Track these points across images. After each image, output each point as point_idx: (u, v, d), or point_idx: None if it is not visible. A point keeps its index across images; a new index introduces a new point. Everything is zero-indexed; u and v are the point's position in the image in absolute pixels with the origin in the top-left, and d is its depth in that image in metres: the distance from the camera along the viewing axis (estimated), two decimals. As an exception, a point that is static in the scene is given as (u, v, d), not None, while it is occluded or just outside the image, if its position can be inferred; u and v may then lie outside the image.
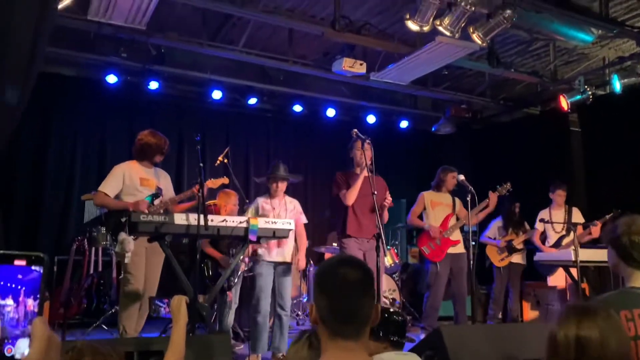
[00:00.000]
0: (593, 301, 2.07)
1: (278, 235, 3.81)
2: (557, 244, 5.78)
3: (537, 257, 5.59)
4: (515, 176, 5.67)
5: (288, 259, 4.41)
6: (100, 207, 4.23)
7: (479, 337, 2.93)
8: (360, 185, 4.37)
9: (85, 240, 5.51)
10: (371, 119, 7.90)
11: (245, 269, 4.97)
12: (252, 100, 7.14)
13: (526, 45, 6.33)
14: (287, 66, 6.41)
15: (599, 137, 6.85)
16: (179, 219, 3.41)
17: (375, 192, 3.96)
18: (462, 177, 4.89)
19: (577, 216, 5.84)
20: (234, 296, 4.86)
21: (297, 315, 6.28)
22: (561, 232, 5.82)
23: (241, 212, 4.82)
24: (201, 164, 3.55)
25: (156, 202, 4.08)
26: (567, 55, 6.58)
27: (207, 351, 2.50)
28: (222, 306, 4.80)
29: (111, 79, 6.23)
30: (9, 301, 0.83)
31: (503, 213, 6.19)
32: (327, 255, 6.45)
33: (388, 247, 6.41)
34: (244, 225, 3.60)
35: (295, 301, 6.15)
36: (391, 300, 6.13)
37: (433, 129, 8.16)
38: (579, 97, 6.27)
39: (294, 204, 4.59)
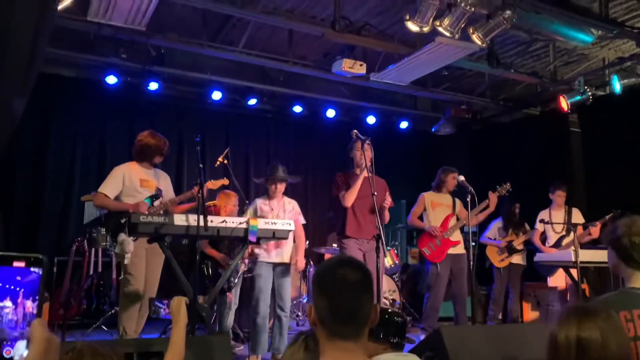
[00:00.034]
0: (592, 302, 2.07)
1: (278, 236, 3.81)
2: (557, 244, 5.78)
3: (537, 257, 5.58)
4: (515, 177, 5.66)
5: (287, 260, 4.41)
6: (100, 208, 4.23)
7: (479, 337, 2.92)
8: (360, 186, 4.37)
9: (85, 241, 5.51)
10: (371, 119, 7.90)
11: (245, 269, 4.97)
12: (252, 101, 7.14)
13: (526, 46, 6.33)
14: (287, 67, 6.41)
15: (598, 137, 6.85)
16: (179, 220, 3.41)
17: (375, 193, 3.96)
18: (462, 177, 4.89)
19: (577, 216, 5.84)
20: (234, 297, 4.86)
21: (297, 316, 6.27)
22: (561, 232, 5.82)
23: (241, 213, 4.82)
24: (201, 165, 3.55)
25: (156, 203, 4.08)
26: (567, 55, 6.58)
27: (207, 352, 2.49)
28: (221, 307, 4.80)
29: (111, 79, 6.23)
30: (8, 303, 0.83)
31: (503, 214, 6.19)
32: (327, 256, 6.45)
33: (388, 247, 6.41)
34: (244, 226, 3.60)
35: (295, 302, 6.15)
36: (391, 301, 6.13)
37: (433, 130, 8.16)
38: (578, 97, 6.27)
39: (292, 205, 4.59)
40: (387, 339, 2.37)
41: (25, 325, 0.84)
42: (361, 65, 5.74)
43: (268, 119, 7.91)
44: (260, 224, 3.69)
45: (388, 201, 4.35)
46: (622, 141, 6.44)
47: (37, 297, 0.87)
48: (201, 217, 3.32)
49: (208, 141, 7.24)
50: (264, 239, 3.80)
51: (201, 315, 3.34)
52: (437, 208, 5.36)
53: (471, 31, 4.95)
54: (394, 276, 6.47)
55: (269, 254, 4.35)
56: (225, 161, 4.68)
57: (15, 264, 0.84)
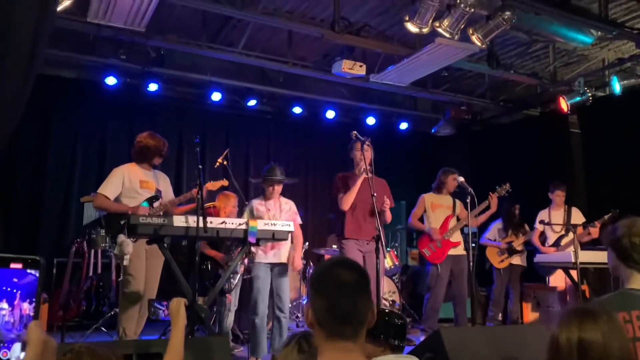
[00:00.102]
0: (591, 303, 2.07)
1: (277, 237, 3.81)
2: (555, 244, 5.78)
3: (537, 258, 5.58)
4: (515, 178, 5.66)
5: (284, 260, 4.41)
6: (99, 209, 4.23)
7: (479, 339, 2.92)
8: (360, 187, 4.36)
9: (85, 242, 5.51)
10: (371, 120, 7.90)
11: (244, 271, 4.96)
12: (252, 102, 7.14)
13: (526, 47, 6.33)
14: (286, 68, 6.41)
15: (598, 138, 6.85)
16: (178, 221, 3.40)
17: (375, 194, 3.95)
18: (461, 178, 4.89)
19: (577, 216, 5.83)
20: (233, 298, 4.86)
21: (297, 317, 6.27)
22: (560, 232, 5.82)
23: (240, 214, 4.81)
24: (200, 166, 3.55)
25: (155, 204, 4.07)
26: (566, 56, 6.58)
27: (207, 353, 2.49)
28: (221, 308, 4.79)
29: (110, 80, 6.23)
30: (4, 305, 0.82)
31: (503, 215, 6.19)
32: (327, 257, 6.44)
33: (388, 249, 6.40)
34: (243, 227, 3.60)
35: (294, 303, 6.14)
36: (391, 302, 6.12)
37: (433, 131, 8.15)
38: (578, 98, 6.27)
39: (289, 205, 4.58)
40: (388, 342, 2.37)
41: (22, 327, 0.84)
42: (361, 66, 5.74)
43: (268, 120, 7.91)
44: (260, 225, 3.68)
45: (387, 203, 4.34)
46: (622, 142, 6.44)
47: (34, 299, 0.86)
48: (200, 218, 3.32)
49: (208, 142, 7.24)
50: (263, 240, 3.79)
51: (200, 316, 3.34)
52: (437, 209, 5.35)
53: (471, 32, 4.95)
54: (393, 277, 6.46)
55: (266, 255, 4.35)
56: (225, 162, 4.68)
57: (12, 265, 0.84)
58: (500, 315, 6.26)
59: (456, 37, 4.83)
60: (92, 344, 1.53)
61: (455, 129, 8.13)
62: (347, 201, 4.37)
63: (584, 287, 5.21)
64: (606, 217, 5.36)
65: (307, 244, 6.41)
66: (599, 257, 4.79)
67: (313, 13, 5.63)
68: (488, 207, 5.35)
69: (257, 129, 7.80)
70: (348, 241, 4.40)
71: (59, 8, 4.14)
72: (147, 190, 4.12)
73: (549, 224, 5.73)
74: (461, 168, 5.47)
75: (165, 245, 3.52)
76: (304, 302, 6.42)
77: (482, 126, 8.48)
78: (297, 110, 7.42)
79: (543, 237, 5.95)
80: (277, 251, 4.36)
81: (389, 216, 4.47)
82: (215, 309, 4.85)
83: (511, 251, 6.16)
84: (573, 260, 4.73)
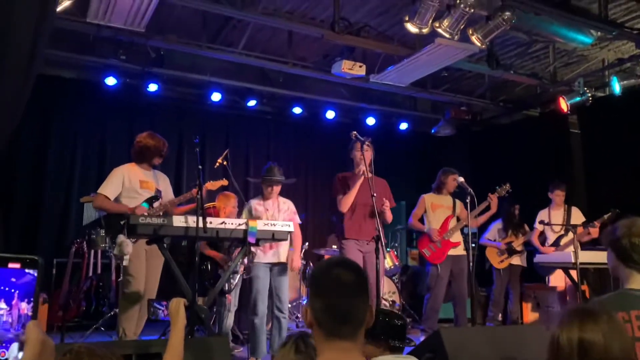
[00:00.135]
0: (590, 303, 2.07)
1: (277, 238, 3.81)
2: (555, 244, 5.77)
3: (537, 258, 5.58)
4: (515, 178, 5.66)
5: (283, 259, 4.40)
6: (99, 209, 4.23)
7: (478, 339, 2.92)
8: (360, 188, 4.36)
9: (84, 242, 5.51)
10: (371, 121, 7.90)
11: (244, 271, 4.96)
12: (252, 103, 7.14)
13: (525, 47, 6.33)
14: (286, 68, 6.41)
15: (598, 138, 6.85)
16: (178, 221, 3.40)
17: (375, 194, 3.95)
18: (461, 179, 4.89)
19: (577, 215, 5.83)
20: (233, 299, 4.86)
21: (297, 317, 6.27)
22: (559, 232, 5.82)
23: (240, 214, 4.81)
24: (200, 166, 3.54)
25: (155, 204, 4.07)
26: (566, 57, 6.58)
27: (206, 354, 2.49)
28: (221, 309, 4.79)
29: (110, 81, 6.23)
30: (2, 304, 0.82)
31: (503, 215, 6.18)
32: (327, 258, 6.43)
33: (388, 249, 6.40)
34: (243, 227, 3.59)
35: (294, 303, 6.14)
36: (391, 303, 6.12)
37: (433, 131, 8.16)
38: (578, 98, 6.27)
39: (287, 205, 4.58)
40: (387, 343, 2.37)
41: (20, 327, 0.84)
42: (361, 66, 5.74)
43: (268, 120, 7.91)
44: (260, 225, 3.68)
45: (386, 205, 4.33)
46: (622, 142, 6.44)
47: (32, 299, 0.86)
48: (200, 218, 3.32)
49: (208, 143, 7.25)
50: (263, 240, 3.79)
51: (200, 317, 3.34)
52: (437, 210, 5.35)
53: (471, 32, 4.95)
54: (393, 278, 6.46)
55: (265, 255, 4.34)
56: (225, 162, 4.68)
57: (11, 265, 0.84)
58: (500, 315, 6.26)
59: (456, 37, 4.83)
60: (92, 344, 1.53)
61: (455, 129, 8.14)
62: (346, 203, 4.37)
63: (584, 287, 5.21)
64: (606, 217, 5.36)
65: (307, 244, 6.41)
66: (599, 257, 4.78)
67: (313, 13, 5.63)
68: (488, 208, 5.35)
69: (257, 130, 7.80)
70: (348, 241, 4.40)
71: (59, 8, 4.14)
72: (147, 190, 4.11)
73: (548, 224, 5.73)
74: (461, 168, 5.47)
75: (165, 245, 3.52)
76: (304, 302, 6.42)
77: (482, 126, 8.48)
78: (297, 110, 7.42)
79: (543, 237, 5.95)
80: (275, 251, 4.36)
81: (389, 216, 4.47)
82: (215, 310, 4.85)
83: (511, 251, 6.16)
84: (573, 261, 4.73)
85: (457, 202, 5.35)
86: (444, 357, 2.60)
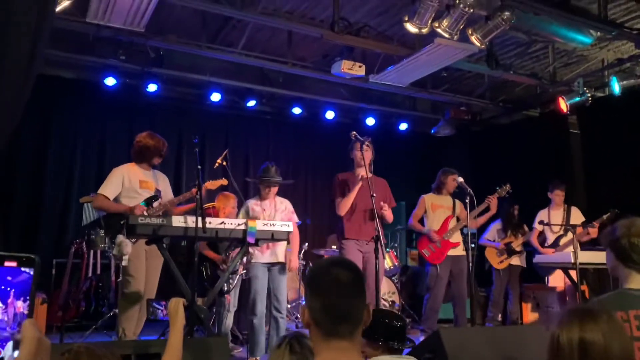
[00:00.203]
0: (589, 302, 2.07)
1: (276, 238, 3.80)
2: (554, 244, 5.77)
3: (537, 259, 5.58)
4: (515, 178, 5.66)
5: (281, 259, 4.40)
6: (98, 209, 4.22)
7: (478, 339, 2.92)
8: (360, 188, 4.35)
9: (84, 243, 5.50)
10: (370, 121, 7.90)
11: (244, 271, 4.96)
12: (251, 103, 7.14)
13: (525, 47, 6.33)
14: (286, 68, 6.41)
15: (598, 139, 6.85)
16: (177, 221, 3.40)
17: (374, 194, 3.95)
18: (460, 179, 4.89)
19: (577, 215, 5.83)
20: (232, 299, 4.85)
21: (296, 318, 6.26)
22: (558, 232, 5.82)
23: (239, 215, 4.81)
24: (199, 166, 3.54)
25: (155, 204, 4.07)
26: (566, 57, 6.58)
27: (206, 354, 2.49)
28: (220, 309, 4.79)
29: (110, 81, 6.22)
30: (-3, 303, 0.82)
31: (502, 215, 6.18)
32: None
33: (387, 249, 6.40)
34: (242, 227, 3.59)
35: (294, 304, 6.14)
36: (390, 303, 6.12)
37: (432, 131, 8.15)
38: (578, 99, 6.27)
39: (285, 204, 4.57)
40: (387, 344, 2.37)
41: (16, 325, 0.83)
42: (360, 66, 5.74)
43: (267, 120, 7.91)
44: (259, 225, 3.68)
45: (385, 207, 4.33)
46: (622, 142, 6.44)
47: (28, 298, 0.86)
48: (199, 218, 3.32)
49: (207, 143, 7.25)
50: (262, 240, 3.79)
51: (200, 317, 3.33)
52: (437, 210, 5.35)
53: (470, 32, 4.95)
54: (393, 278, 6.46)
55: (263, 255, 4.34)
56: (224, 163, 4.68)
57: (7, 263, 0.83)
58: (499, 315, 6.26)
59: (455, 37, 4.83)
60: (91, 344, 1.53)
61: (455, 129, 8.13)
62: (344, 207, 4.37)
63: (584, 287, 5.21)
64: (605, 217, 5.36)
65: (306, 244, 6.41)
66: (599, 257, 4.78)
67: (313, 13, 5.63)
68: (488, 209, 5.35)
69: (257, 130, 7.80)
70: (348, 241, 4.40)
71: (58, 8, 4.14)
72: (147, 190, 4.11)
73: (548, 224, 5.73)
74: (461, 169, 5.47)
75: (165, 245, 3.52)
76: (304, 302, 6.42)
77: (481, 127, 8.48)
78: (297, 110, 7.41)
79: (542, 237, 5.95)
80: (273, 251, 4.36)
81: (390, 216, 4.47)
82: (214, 310, 4.85)
83: (510, 252, 6.15)
84: (572, 261, 4.73)
85: (457, 202, 5.35)
86: (444, 358, 2.60)
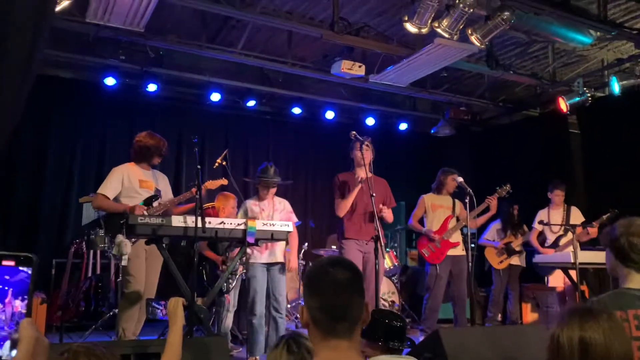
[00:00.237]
0: (588, 302, 2.07)
1: (276, 238, 3.80)
2: (554, 245, 5.77)
3: (536, 259, 5.58)
4: (515, 178, 5.66)
5: (279, 259, 4.39)
6: (98, 209, 4.22)
7: (477, 339, 2.92)
8: (361, 188, 4.35)
9: (84, 243, 5.50)
10: (370, 121, 7.90)
11: (243, 271, 4.96)
12: (251, 103, 7.14)
13: (525, 47, 6.34)
14: (286, 68, 6.41)
15: (598, 138, 6.85)
16: (177, 221, 3.40)
17: (374, 194, 3.95)
18: (460, 179, 4.89)
19: (576, 215, 5.82)
20: (232, 299, 4.85)
21: (296, 318, 6.26)
22: (558, 232, 5.82)
23: (239, 215, 4.81)
24: (199, 166, 3.54)
25: (155, 204, 4.07)
26: (565, 57, 6.58)
27: (205, 354, 2.49)
28: (220, 309, 4.79)
29: (110, 81, 6.22)
30: (-5, 302, 0.82)
31: (502, 215, 6.19)
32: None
33: (387, 249, 6.40)
34: (242, 227, 3.59)
35: (294, 304, 6.13)
36: (390, 303, 6.12)
37: (432, 131, 8.15)
38: (577, 99, 6.27)
39: (283, 204, 4.57)
40: (387, 345, 2.37)
41: (14, 325, 0.83)
42: (360, 66, 5.74)
43: (267, 120, 7.91)
44: (259, 225, 3.68)
45: (384, 210, 4.33)
46: (621, 142, 6.44)
47: (26, 297, 0.86)
48: (199, 218, 3.31)
49: (207, 143, 7.25)
50: (262, 240, 3.78)
51: (199, 317, 3.33)
52: (437, 210, 5.35)
53: (470, 32, 4.95)
54: (393, 278, 6.46)
55: (261, 255, 4.34)
56: (224, 163, 4.67)
57: (4, 262, 0.83)
58: (499, 315, 6.26)
59: (455, 37, 4.83)
60: (90, 344, 1.52)
61: (455, 129, 8.13)
62: (343, 209, 4.37)
63: (584, 287, 5.20)
64: (605, 217, 5.36)
65: (306, 244, 6.41)
66: (599, 257, 4.77)
67: (312, 13, 5.63)
68: (488, 209, 5.34)
69: (257, 130, 7.80)
70: (348, 241, 4.40)
71: (58, 8, 4.13)
72: (147, 189, 4.11)
73: (547, 224, 5.73)
74: (461, 169, 5.47)
75: (164, 245, 3.51)
76: (303, 302, 6.41)
77: (481, 127, 8.48)
78: (297, 110, 7.41)
79: (542, 237, 5.95)
80: (271, 251, 4.36)
81: (390, 217, 4.47)
82: (214, 310, 4.85)
83: (510, 252, 6.15)
84: (572, 261, 4.72)
85: (457, 202, 5.35)
86: (443, 357, 2.60)
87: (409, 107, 8.18)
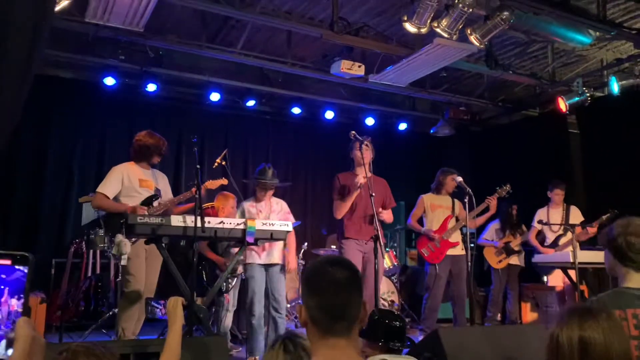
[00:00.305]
0: (587, 301, 2.07)
1: (275, 237, 3.80)
2: (554, 244, 5.77)
3: (536, 258, 5.58)
4: (515, 178, 5.66)
5: (277, 260, 4.38)
6: (98, 209, 4.22)
7: (477, 339, 2.92)
8: (360, 187, 4.35)
9: (83, 242, 5.50)
10: (370, 121, 7.90)
11: (242, 271, 4.96)
12: (251, 103, 7.14)
13: (524, 47, 6.34)
14: (285, 68, 6.41)
15: (597, 138, 6.85)
16: (176, 221, 3.40)
17: (373, 194, 3.95)
18: (460, 178, 4.89)
19: (576, 214, 5.83)
20: (232, 299, 4.85)
21: (296, 318, 6.26)
22: (558, 231, 5.82)
23: (238, 215, 4.80)
24: (198, 166, 3.54)
25: (155, 203, 4.07)
26: (565, 57, 6.58)
27: (205, 354, 2.49)
28: (219, 309, 4.79)
29: (109, 81, 6.22)
30: (-9, 301, 0.82)
31: (500, 215, 6.19)
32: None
33: (387, 249, 6.40)
34: (241, 227, 3.59)
35: (293, 304, 6.14)
36: (390, 303, 6.12)
37: (432, 131, 8.16)
38: (577, 99, 6.27)
39: (280, 205, 4.56)
40: (387, 345, 2.37)
41: (10, 324, 0.83)
42: (360, 66, 5.74)
43: (267, 120, 7.91)
44: (258, 225, 3.68)
45: (384, 213, 4.32)
46: (621, 142, 6.44)
47: (22, 296, 0.86)
48: (198, 218, 3.31)
49: (207, 143, 7.25)
50: (261, 240, 3.79)
51: (199, 316, 3.33)
52: (436, 210, 5.36)
53: (469, 32, 4.95)
54: (392, 278, 6.46)
55: (259, 256, 4.33)
56: (224, 163, 4.67)
57: (1, 261, 0.83)
58: (498, 315, 6.26)
59: (454, 37, 4.83)
60: (89, 343, 1.52)
61: (454, 129, 8.14)
62: (341, 211, 4.37)
63: (583, 287, 5.21)
64: (605, 217, 5.36)
65: (306, 244, 6.41)
66: (598, 257, 4.77)
67: (312, 13, 5.63)
68: (487, 209, 5.34)
69: (256, 130, 7.80)
70: (348, 241, 4.40)
71: (57, 8, 4.13)
72: (147, 189, 4.11)
73: (547, 224, 5.73)
74: (460, 169, 5.47)
75: (164, 245, 3.52)
76: (302, 302, 6.41)
77: (481, 127, 8.48)
78: (296, 110, 7.41)
79: (542, 236, 5.95)
80: (269, 251, 4.35)
81: (389, 217, 4.47)
82: (213, 310, 4.85)
83: (509, 251, 6.16)
84: (571, 261, 4.73)
85: (457, 202, 5.35)
86: (443, 357, 2.60)
87: (408, 107, 8.18)
